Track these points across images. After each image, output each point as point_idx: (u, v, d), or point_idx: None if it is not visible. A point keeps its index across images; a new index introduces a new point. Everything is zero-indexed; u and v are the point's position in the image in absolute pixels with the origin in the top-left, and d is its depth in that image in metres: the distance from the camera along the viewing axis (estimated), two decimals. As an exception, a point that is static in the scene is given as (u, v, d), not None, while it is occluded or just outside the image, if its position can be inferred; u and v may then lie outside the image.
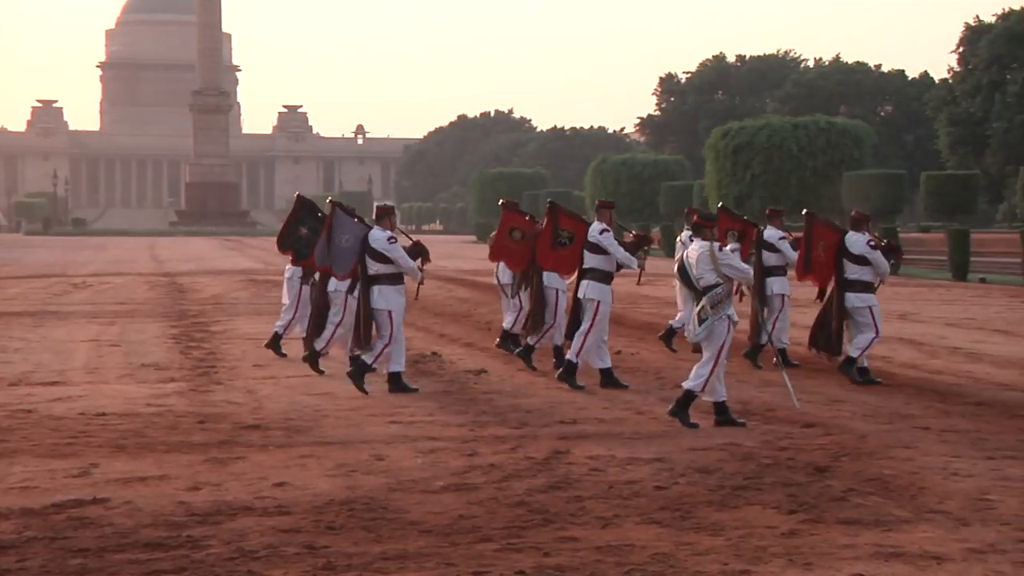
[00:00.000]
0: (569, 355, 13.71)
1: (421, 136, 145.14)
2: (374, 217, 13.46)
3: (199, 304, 25.95)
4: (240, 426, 11.08)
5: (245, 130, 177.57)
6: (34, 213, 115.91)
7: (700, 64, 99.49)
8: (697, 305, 11.09)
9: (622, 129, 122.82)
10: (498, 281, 16.67)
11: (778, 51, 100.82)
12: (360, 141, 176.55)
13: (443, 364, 15.64)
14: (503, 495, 8.39)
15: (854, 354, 13.87)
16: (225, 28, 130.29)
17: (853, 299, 13.86)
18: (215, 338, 19.06)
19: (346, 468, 9.27)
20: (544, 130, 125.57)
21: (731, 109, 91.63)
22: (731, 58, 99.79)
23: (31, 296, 28.17)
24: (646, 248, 14.02)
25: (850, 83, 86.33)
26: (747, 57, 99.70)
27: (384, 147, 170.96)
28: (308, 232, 15.18)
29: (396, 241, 13.17)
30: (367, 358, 13.09)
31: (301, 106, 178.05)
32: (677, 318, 16.54)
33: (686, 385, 11.13)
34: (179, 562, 6.82)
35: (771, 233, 15.40)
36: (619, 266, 13.64)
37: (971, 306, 19.56)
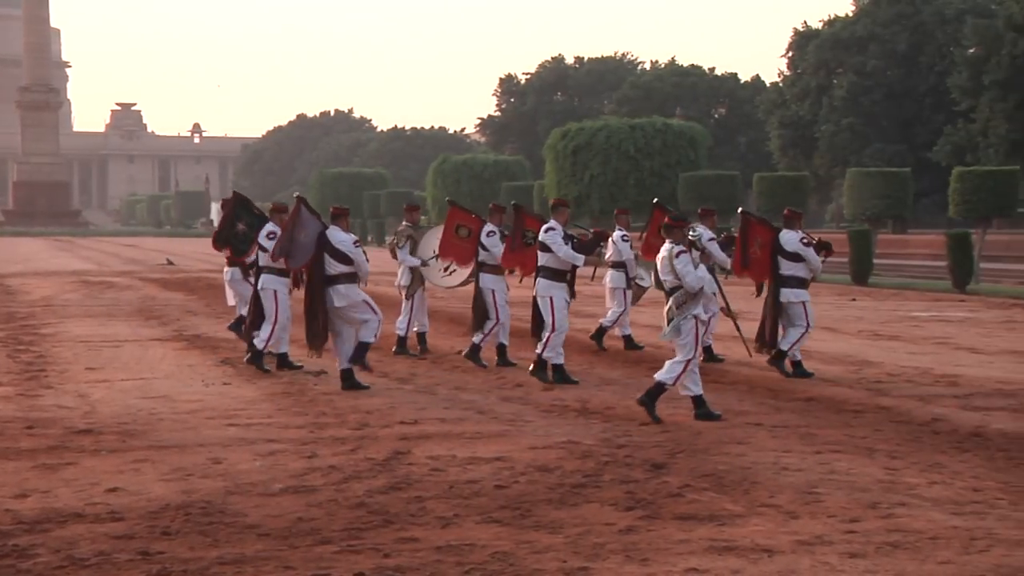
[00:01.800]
0: (537, 349, 14.01)
1: (260, 135, 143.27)
2: (331, 217, 13.73)
3: (28, 306, 25.23)
4: (71, 431, 10.80)
5: (76, 128, 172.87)
6: None
7: (540, 65, 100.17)
8: (664, 305, 11.41)
9: (463, 129, 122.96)
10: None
11: (616, 53, 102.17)
12: (197, 140, 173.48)
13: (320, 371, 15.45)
14: (343, 497, 8.34)
15: (784, 347, 14.28)
16: (54, 23, 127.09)
17: (788, 294, 14.27)
18: (45, 341, 18.54)
19: (182, 472, 9.12)
20: (385, 130, 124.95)
21: (570, 110, 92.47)
22: (570, 60, 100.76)
23: None
24: (602, 245, 15.09)
25: (685, 85, 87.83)
26: (585, 59, 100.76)
27: (221, 146, 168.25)
28: (245, 228, 15.44)
29: (360, 244, 13.74)
30: (345, 362, 13.52)
31: (135, 104, 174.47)
32: (608, 316, 17.05)
33: (658, 376, 11.36)
34: (5, 572, 6.62)
35: (701, 232, 15.48)
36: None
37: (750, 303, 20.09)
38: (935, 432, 10.88)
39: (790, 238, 14.33)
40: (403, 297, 16.90)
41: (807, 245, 14.29)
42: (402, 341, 16.69)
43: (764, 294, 14.79)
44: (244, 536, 7.35)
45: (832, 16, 71.91)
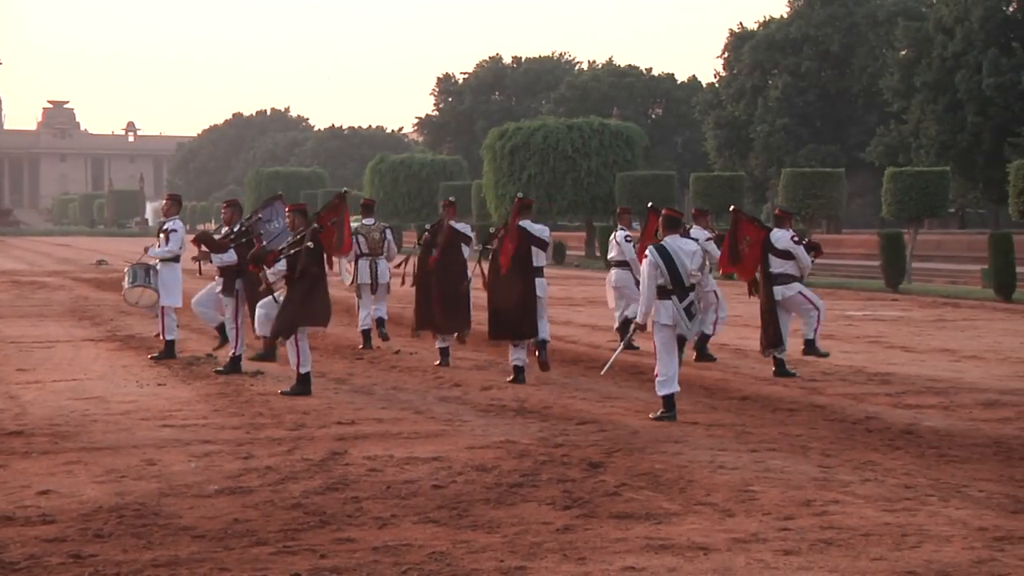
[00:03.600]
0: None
1: (195, 134, 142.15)
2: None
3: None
4: (1, 433, 10.66)
5: (7, 126, 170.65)
6: None
7: (477, 65, 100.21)
8: (684, 301, 11.41)
9: (400, 129, 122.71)
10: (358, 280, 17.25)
11: (553, 53, 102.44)
12: (131, 139, 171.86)
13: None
14: (279, 498, 8.29)
15: (810, 336, 14.66)
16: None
17: (781, 291, 14.52)
18: (-25, 341, 18.27)
19: (116, 474, 9.02)
20: (321, 129, 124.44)
21: (508, 110, 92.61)
22: (507, 59, 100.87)
23: None
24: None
25: (622, 86, 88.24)
26: (523, 59, 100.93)
27: (156, 145, 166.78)
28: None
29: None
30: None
31: (68, 102, 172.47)
32: (619, 314, 16.94)
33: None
34: (-65, 577, 6.52)
35: (697, 233, 15.59)
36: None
37: (737, 304, 20.22)
38: (868, 430, 11.00)
39: (781, 236, 14.59)
40: (361, 295, 17.40)
41: (798, 244, 14.56)
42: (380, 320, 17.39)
43: (757, 296, 14.96)
44: (178, 538, 7.29)
45: (767, 18, 72.55)
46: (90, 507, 8.01)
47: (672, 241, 11.62)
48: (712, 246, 15.44)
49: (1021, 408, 12.25)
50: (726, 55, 73.65)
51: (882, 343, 18.19)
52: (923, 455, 9.90)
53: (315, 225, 12.96)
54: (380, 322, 17.42)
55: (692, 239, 12.11)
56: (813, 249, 14.83)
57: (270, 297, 13.18)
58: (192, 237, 15.28)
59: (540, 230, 14.42)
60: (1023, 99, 51.88)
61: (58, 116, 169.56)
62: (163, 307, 15.79)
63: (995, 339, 18.79)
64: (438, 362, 15.25)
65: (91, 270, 41.04)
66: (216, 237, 14.81)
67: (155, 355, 15.83)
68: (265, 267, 12.98)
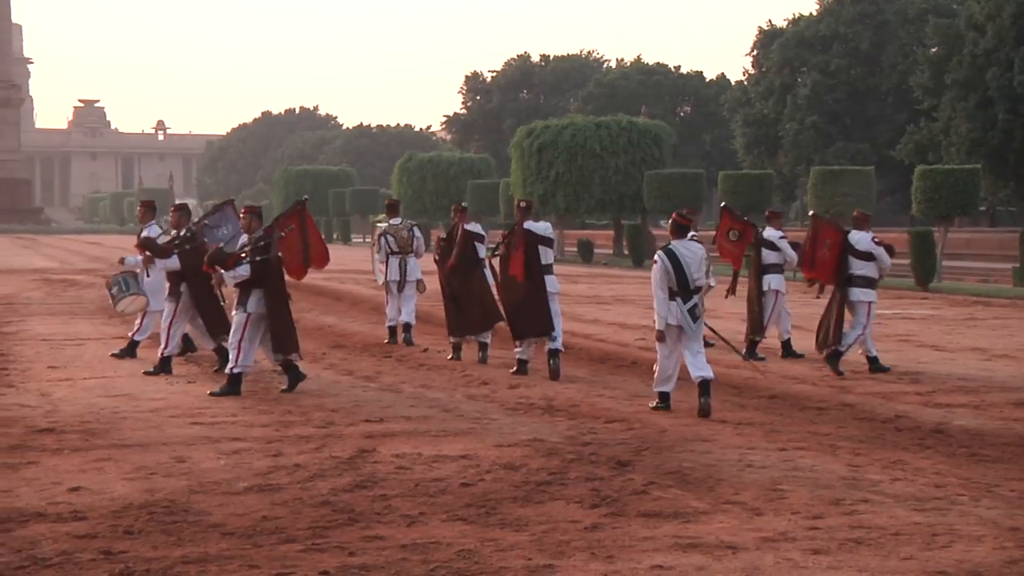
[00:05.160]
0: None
1: (224, 132, 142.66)
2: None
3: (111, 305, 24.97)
4: (33, 430, 10.72)
5: (38, 125, 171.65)
6: None
7: (505, 63, 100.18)
8: (688, 303, 11.57)
9: (428, 127, 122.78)
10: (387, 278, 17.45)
11: (581, 51, 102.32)
12: (161, 137, 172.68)
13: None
14: (308, 495, 8.31)
15: (842, 348, 14.68)
16: (15, 19, 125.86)
17: (858, 293, 14.73)
18: (7, 339, 18.40)
19: (145, 471, 9.06)
20: (350, 127, 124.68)
21: (535, 108, 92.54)
22: (535, 58, 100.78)
23: None
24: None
25: (650, 84, 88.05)
26: (551, 57, 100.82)
27: (186, 143, 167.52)
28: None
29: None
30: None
31: (98, 100, 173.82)
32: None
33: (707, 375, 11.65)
34: (-33, 573, 6.57)
35: (771, 233, 16.23)
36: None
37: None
38: (898, 429, 10.95)
39: (861, 238, 14.78)
40: (391, 291, 17.51)
41: (878, 245, 14.74)
42: (406, 324, 17.43)
43: (825, 295, 15.19)
44: (208, 535, 7.32)
45: (796, 15, 72.32)
46: (120, 504, 8.05)
47: (680, 245, 11.76)
48: (785, 244, 16.01)
49: (1053, 407, 12.17)
50: (755, 53, 73.45)
51: (912, 341, 18.09)
52: (954, 454, 9.85)
53: (280, 233, 12.82)
54: (406, 327, 17.41)
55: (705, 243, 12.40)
56: (888, 250, 15.01)
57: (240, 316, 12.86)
58: (135, 244, 15.26)
59: (544, 228, 14.56)
60: (1055, 96, 51.46)
61: (89, 115, 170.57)
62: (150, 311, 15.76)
63: (1026, 338, 18.67)
64: (514, 369, 14.61)
65: (118, 268, 41.15)
66: (161, 242, 14.70)
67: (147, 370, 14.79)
68: (222, 270, 12.79)
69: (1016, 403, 12.42)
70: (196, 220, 14.82)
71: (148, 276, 15.22)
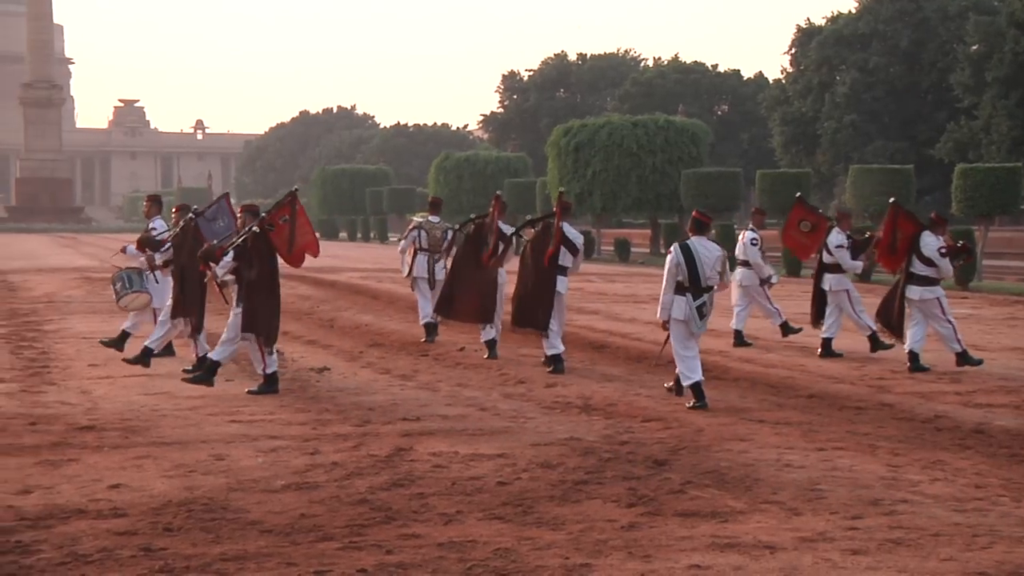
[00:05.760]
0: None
1: (262, 132, 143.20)
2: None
3: (31, 303, 25.21)
4: (74, 427, 10.81)
5: (79, 124, 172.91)
6: None
7: (542, 62, 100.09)
8: (698, 300, 11.76)
9: (465, 126, 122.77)
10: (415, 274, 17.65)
11: (618, 50, 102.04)
12: (200, 136, 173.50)
13: (285, 362, 15.45)
14: (345, 493, 8.34)
15: (957, 349, 14.80)
16: (57, 19, 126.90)
17: (920, 291, 14.70)
18: (48, 337, 18.55)
19: (184, 468, 9.12)
20: (387, 127, 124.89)
21: (572, 107, 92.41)
22: (572, 57, 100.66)
23: None
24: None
25: (687, 82, 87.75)
26: (588, 56, 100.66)
27: (224, 143, 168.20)
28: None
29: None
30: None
31: (138, 100, 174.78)
32: (740, 311, 17.42)
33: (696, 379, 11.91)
34: (7, 568, 6.62)
35: (834, 237, 16.25)
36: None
37: (804, 302, 20.03)
38: (937, 429, 10.88)
39: (930, 243, 14.78)
40: (419, 288, 17.74)
41: (944, 255, 14.75)
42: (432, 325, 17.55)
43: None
44: (246, 533, 7.35)
45: (835, 13, 71.96)
46: (160, 501, 8.10)
47: (697, 242, 11.90)
48: (844, 253, 16.05)
49: (1094, 408, 12.05)
50: (793, 51, 73.06)
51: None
52: (994, 455, 9.78)
53: (270, 225, 12.77)
54: (432, 325, 17.43)
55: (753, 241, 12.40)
56: (965, 253, 15.32)
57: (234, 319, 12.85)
58: (135, 242, 15.32)
59: (575, 236, 14.86)
60: (1097, 94, 50.99)
61: (129, 115, 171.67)
62: (155, 309, 15.76)
63: (1068, 338, 18.49)
64: (487, 355, 15.57)
65: (120, 258, 41.27)
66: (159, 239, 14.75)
67: (186, 368, 14.79)
68: (213, 263, 12.78)
69: (1057, 403, 12.31)
70: (194, 210, 14.80)
71: (157, 282, 15.26)
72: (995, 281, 32.32)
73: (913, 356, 14.71)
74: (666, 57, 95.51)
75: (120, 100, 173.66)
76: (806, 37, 71.69)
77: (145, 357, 14.37)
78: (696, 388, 11.89)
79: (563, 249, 14.53)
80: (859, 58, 67.41)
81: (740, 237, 17.73)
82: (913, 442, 10.26)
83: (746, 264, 17.35)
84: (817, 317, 16.29)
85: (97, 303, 24.95)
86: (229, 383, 13.58)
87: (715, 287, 12.02)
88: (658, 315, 12.16)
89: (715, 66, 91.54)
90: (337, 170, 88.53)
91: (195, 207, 15.16)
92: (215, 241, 13.39)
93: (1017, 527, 7.48)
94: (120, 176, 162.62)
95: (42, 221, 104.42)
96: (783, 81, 74.35)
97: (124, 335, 15.80)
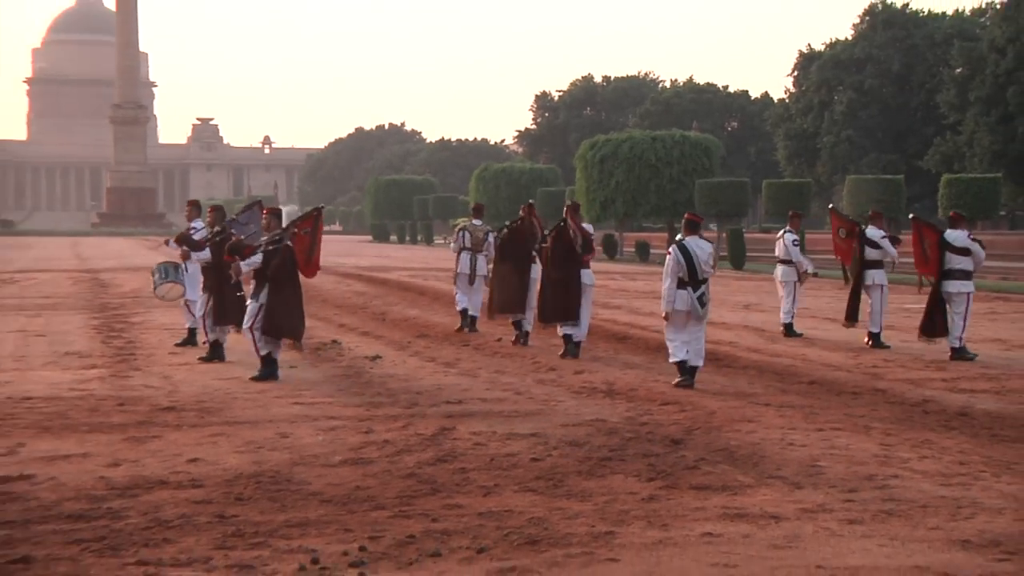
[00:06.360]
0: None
1: (322, 146, 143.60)
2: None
3: (119, 297, 25.38)
4: (156, 408, 10.87)
5: (161, 140, 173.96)
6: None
7: (571, 84, 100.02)
8: (697, 291, 11.92)
9: (502, 141, 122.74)
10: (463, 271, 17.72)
11: (639, 73, 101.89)
12: (267, 150, 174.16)
13: (342, 351, 15.52)
14: (395, 468, 8.34)
15: (955, 344, 14.68)
16: (142, 47, 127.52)
17: (957, 285, 14.75)
18: (134, 328, 18.69)
19: (254, 445, 9.15)
20: (432, 141, 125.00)
21: (598, 123, 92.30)
22: (598, 78, 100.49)
23: (-38, 291, 27.29)
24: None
25: (701, 101, 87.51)
26: (612, 78, 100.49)
27: (288, 156, 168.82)
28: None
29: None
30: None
31: (213, 119, 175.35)
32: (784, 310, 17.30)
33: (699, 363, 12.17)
34: (99, 532, 6.67)
35: (873, 232, 16.19)
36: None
37: (805, 297, 19.93)
38: (925, 412, 10.79)
39: (958, 235, 14.83)
40: (460, 284, 17.83)
41: (974, 241, 14.84)
42: (471, 318, 17.71)
43: (926, 288, 15.27)
44: (308, 502, 7.37)
45: (833, 39, 71.62)
46: (232, 474, 8.13)
47: (691, 241, 12.06)
48: (887, 243, 16.05)
49: (1068, 393, 11.92)
50: (795, 73, 72.80)
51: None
52: (976, 435, 9.70)
53: (295, 231, 12.77)
54: (472, 320, 17.66)
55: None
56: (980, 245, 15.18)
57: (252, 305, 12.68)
58: (174, 237, 15.28)
59: (587, 229, 15.07)
60: (1070, 111, 50.51)
61: (205, 132, 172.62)
62: (187, 300, 15.80)
63: (1043, 330, 18.31)
64: (514, 339, 15.90)
65: (163, 249, 41.48)
66: (196, 238, 14.69)
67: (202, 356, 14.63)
68: (239, 258, 12.73)
69: (1034, 389, 12.19)
70: (230, 218, 14.69)
71: (187, 270, 15.33)
72: (977, 279, 31.91)
73: (959, 349, 14.65)
74: (682, 79, 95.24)
75: (197, 119, 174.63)
76: (807, 61, 71.38)
77: (270, 368, 12.90)
78: (682, 365, 12.08)
79: (581, 241, 14.65)
80: (855, 80, 67.03)
81: (779, 238, 17.55)
82: (903, 423, 10.18)
83: (786, 262, 17.20)
84: (851, 315, 16.03)
85: (177, 298, 25.06)
86: (293, 369, 13.63)
87: (709, 278, 12.13)
88: (663, 307, 12.24)
89: (726, 87, 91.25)
90: (388, 180, 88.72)
91: (232, 216, 15.05)
92: (242, 238, 13.33)
93: (997, 499, 7.41)
94: (197, 186, 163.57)
95: (129, 226, 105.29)
96: (787, 100, 74.06)
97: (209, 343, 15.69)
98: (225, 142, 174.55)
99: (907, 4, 70.11)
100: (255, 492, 7.61)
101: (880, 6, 69.50)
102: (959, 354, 14.54)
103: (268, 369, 12.70)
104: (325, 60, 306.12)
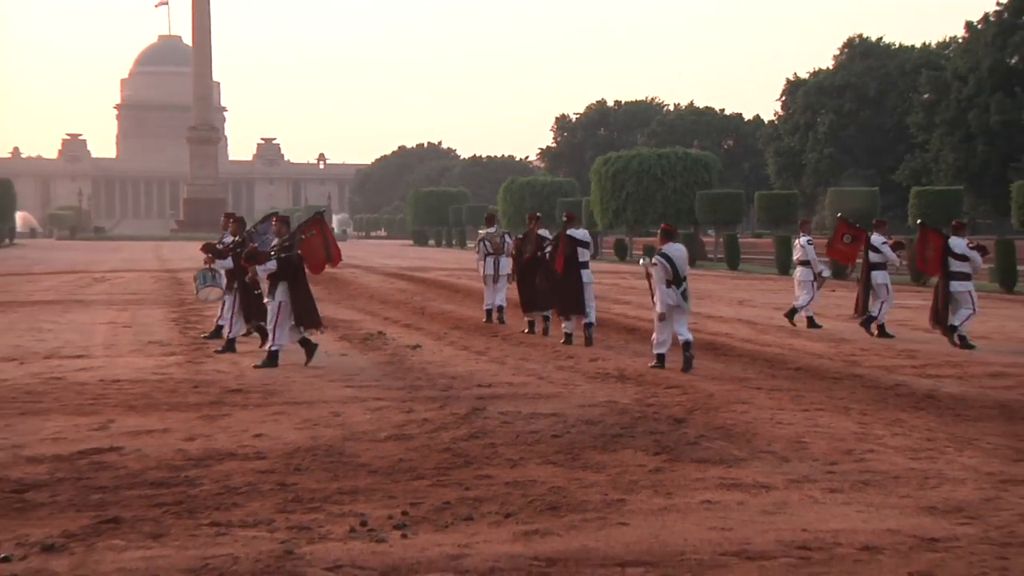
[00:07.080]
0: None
1: (369, 162, 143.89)
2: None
3: (194, 294, 25.43)
4: (226, 390, 10.91)
5: (231, 157, 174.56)
6: (63, 223, 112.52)
7: (586, 107, 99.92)
8: (680, 287, 12.14)
9: (526, 157, 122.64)
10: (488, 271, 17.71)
11: (646, 97, 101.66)
12: (322, 166, 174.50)
13: (387, 341, 15.54)
14: (433, 443, 8.35)
15: (956, 323, 14.62)
16: (215, 77, 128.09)
17: (957, 286, 14.71)
18: (207, 321, 18.69)
19: (310, 422, 9.17)
20: (465, 158, 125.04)
21: (610, 142, 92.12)
22: (610, 102, 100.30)
23: (60, 288, 27.52)
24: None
25: (701, 122, 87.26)
26: (623, 102, 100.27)
27: (341, 171, 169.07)
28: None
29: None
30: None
31: (275, 138, 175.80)
32: (799, 301, 17.22)
33: (689, 338, 12.26)
34: (178, 497, 6.71)
35: (876, 239, 16.19)
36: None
37: (792, 294, 19.84)
38: (897, 395, 10.71)
39: (958, 243, 14.79)
40: (487, 284, 17.81)
41: (972, 249, 14.77)
42: (498, 307, 17.73)
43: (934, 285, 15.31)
44: (357, 472, 7.39)
45: (816, 68, 71.33)
46: (291, 447, 8.16)
47: (670, 248, 12.33)
48: (887, 249, 15.91)
49: (1021, 378, 11.81)
50: (783, 98, 72.48)
51: (908, 326, 17.64)
52: (942, 415, 9.62)
53: (301, 236, 12.71)
54: (500, 310, 17.70)
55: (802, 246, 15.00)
56: (981, 251, 15.07)
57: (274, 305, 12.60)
58: (200, 246, 15.23)
59: (582, 234, 15.06)
60: (1023, 133, 50.17)
61: (268, 150, 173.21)
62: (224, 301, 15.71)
63: (1000, 323, 18.14)
64: (563, 340, 14.98)
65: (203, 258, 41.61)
66: (219, 247, 14.59)
67: (218, 348, 14.24)
68: (256, 264, 12.72)
69: (992, 374, 12.08)
70: (248, 229, 14.31)
71: (223, 275, 15.07)
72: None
73: (962, 338, 14.58)
74: (684, 103, 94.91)
75: (262, 138, 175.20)
76: (794, 87, 71.06)
77: (272, 360, 12.67)
78: (661, 357, 12.34)
79: (580, 249, 14.71)
80: (836, 104, 66.69)
81: (795, 243, 17.52)
82: (878, 405, 10.11)
83: (805, 263, 17.08)
84: (861, 309, 15.96)
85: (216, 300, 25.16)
86: (344, 357, 13.66)
87: (687, 276, 12.34)
88: (658, 309, 12.31)
89: (723, 110, 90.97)
90: (427, 191, 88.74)
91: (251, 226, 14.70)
92: (256, 245, 13.19)
93: (960, 471, 7.35)
94: (260, 197, 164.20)
95: (203, 232, 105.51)
96: (776, 121, 73.76)
97: (227, 338, 15.28)
98: (285, 159, 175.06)
99: (881, 37, 69.75)
100: (311, 463, 7.63)
101: (858, 39, 69.16)
102: (961, 340, 14.44)
103: (271, 360, 12.60)
104: (373, 86, 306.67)
